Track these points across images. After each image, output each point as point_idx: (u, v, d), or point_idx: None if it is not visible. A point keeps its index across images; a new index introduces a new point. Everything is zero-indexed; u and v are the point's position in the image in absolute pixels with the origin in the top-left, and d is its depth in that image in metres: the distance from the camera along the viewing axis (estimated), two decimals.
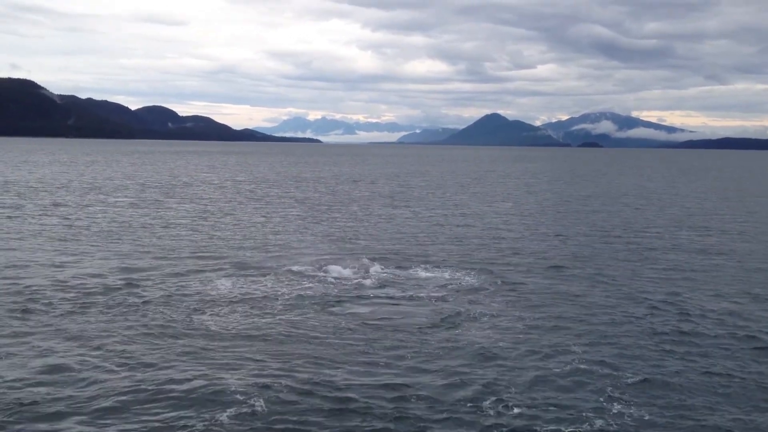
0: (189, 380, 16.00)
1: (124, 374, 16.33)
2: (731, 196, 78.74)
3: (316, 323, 20.78)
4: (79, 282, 25.31)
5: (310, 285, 25.58)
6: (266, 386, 15.73)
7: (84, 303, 22.36)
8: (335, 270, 28.21)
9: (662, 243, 38.49)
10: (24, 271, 26.94)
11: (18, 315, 20.87)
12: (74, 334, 19.21)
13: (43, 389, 15.32)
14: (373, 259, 30.70)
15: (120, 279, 25.97)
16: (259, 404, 14.71)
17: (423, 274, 27.96)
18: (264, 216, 48.05)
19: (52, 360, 17.15)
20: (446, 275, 27.75)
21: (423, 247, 34.98)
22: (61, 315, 21.01)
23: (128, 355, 17.66)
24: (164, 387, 15.58)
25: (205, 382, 15.84)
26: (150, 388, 15.54)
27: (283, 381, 16.04)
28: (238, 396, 15.08)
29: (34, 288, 24.13)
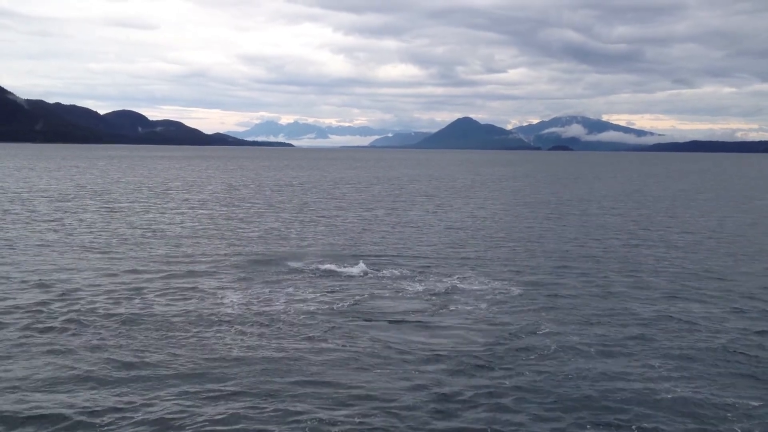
0: (209, 415, 13.30)
1: (124, 405, 13.57)
2: (736, 199, 77.56)
3: (345, 346, 18.02)
4: (74, 296, 22.34)
5: (332, 298, 22.90)
6: (302, 422, 13.10)
7: (79, 319, 19.45)
8: (358, 281, 25.67)
9: (704, 248, 36.43)
10: (19, 284, 23.90)
11: (15, 332, 17.93)
12: (73, 352, 16.36)
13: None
14: (398, 268, 28.21)
15: (117, 292, 23.07)
16: None
17: (458, 284, 25.36)
18: (272, 221, 45.19)
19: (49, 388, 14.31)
20: (484, 285, 25.20)
21: (446, 253, 32.43)
22: (51, 334, 18.12)
23: (132, 385, 14.84)
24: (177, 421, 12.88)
25: (228, 415, 13.17)
26: (164, 417, 12.83)
27: (320, 419, 13.41)
28: None
29: (31, 302, 21.17)
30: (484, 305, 22.20)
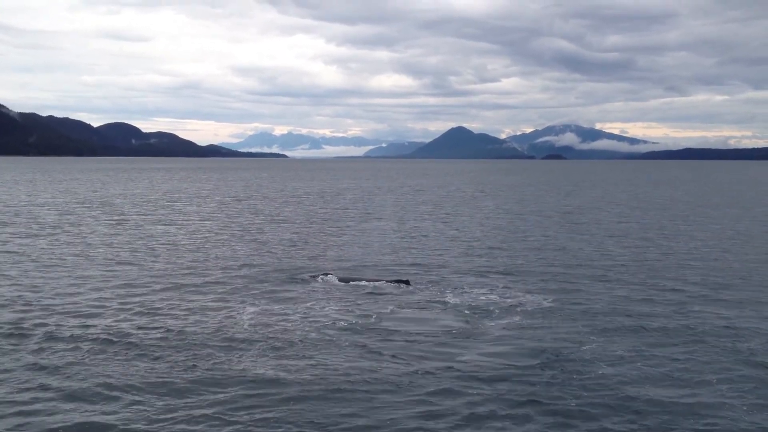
0: None
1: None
2: (743, 206, 76.95)
3: (371, 364, 16.88)
4: (80, 315, 21.30)
5: (353, 313, 21.87)
6: None
7: (89, 340, 18.41)
8: (380, 294, 24.68)
9: (729, 255, 35.59)
10: (29, 299, 22.84)
11: (14, 354, 16.90)
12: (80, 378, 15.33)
13: None
14: (420, 280, 27.25)
15: (130, 306, 22.03)
16: None
17: (486, 297, 24.38)
18: (284, 232, 44.18)
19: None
20: (513, 298, 24.20)
21: (467, 264, 31.44)
22: (64, 349, 17.10)
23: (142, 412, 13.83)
24: None
25: None
26: None
27: None
28: None
29: (32, 322, 20.11)
30: (517, 318, 21.25)
